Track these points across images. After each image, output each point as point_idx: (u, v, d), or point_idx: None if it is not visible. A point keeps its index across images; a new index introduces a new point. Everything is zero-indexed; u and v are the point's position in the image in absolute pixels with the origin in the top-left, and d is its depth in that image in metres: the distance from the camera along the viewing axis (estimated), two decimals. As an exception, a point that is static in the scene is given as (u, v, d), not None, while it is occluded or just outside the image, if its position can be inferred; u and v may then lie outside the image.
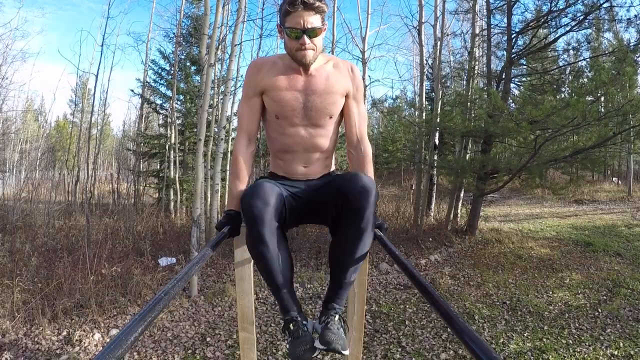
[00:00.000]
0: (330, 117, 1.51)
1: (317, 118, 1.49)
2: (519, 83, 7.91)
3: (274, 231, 1.33)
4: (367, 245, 1.36)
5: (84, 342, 3.32)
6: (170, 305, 4.01)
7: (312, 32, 1.35)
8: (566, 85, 7.03)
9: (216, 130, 6.79)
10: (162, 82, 11.45)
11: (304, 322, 1.35)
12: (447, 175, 7.97)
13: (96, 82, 10.04)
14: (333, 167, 1.68)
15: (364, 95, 9.21)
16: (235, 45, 6.59)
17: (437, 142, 7.85)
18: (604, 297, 4.43)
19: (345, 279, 1.40)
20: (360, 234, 1.33)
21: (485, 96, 6.66)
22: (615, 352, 3.24)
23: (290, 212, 1.46)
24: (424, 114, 8.33)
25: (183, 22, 10.80)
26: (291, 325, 1.33)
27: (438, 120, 7.32)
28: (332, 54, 9.40)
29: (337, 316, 1.36)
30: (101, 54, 13.51)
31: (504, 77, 6.99)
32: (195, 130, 9.28)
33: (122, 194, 11.18)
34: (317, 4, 1.32)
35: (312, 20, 1.33)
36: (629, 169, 13.62)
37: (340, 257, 1.41)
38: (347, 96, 1.54)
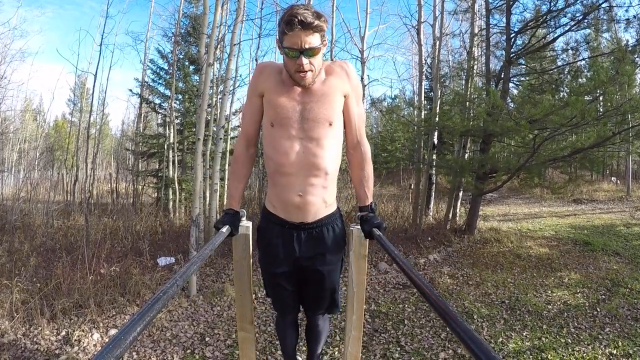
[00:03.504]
0: (330, 125, 1.45)
1: (314, 128, 1.43)
2: (517, 83, 7.92)
3: (294, 324, 1.96)
4: (324, 337, 1.99)
5: (83, 342, 3.31)
6: (169, 304, 4.01)
7: (310, 52, 1.32)
8: (565, 85, 7.03)
9: (215, 129, 6.78)
10: (160, 81, 11.44)
11: None
12: (446, 174, 7.97)
13: (95, 81, 9.99)
14: (334, 207, 1.60)
15: (363, 95, 9.22)
16: (234, 44, 6.59)
17: (435, 142, 7.85)
18: (603, 297, 4.44)
19: (316, 351, 1.98)
20: (318, 336, 1.94)
21: (484, 95, 6.66)
22: (614, 351, 3.25)
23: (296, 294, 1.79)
24: (422, 113, 8.33)
25: (182, 21, 10.79)
26: None
27: (437, 119, 7.33)
28: (331, 53, 9.40)
29: None
30: (100, 53, 13.50)
31: (502, 76, 7.00)
32: (194, 129, 9.27)
33: (120, 194, 11.16)
34: (316, 22, 1.28)
35: (310, 40, 1.30)
36: (628, 168, 13.66)
37: (309, 341, 2.00)
38: (346, 96, 1.50)
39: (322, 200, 1.51)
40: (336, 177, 1.56)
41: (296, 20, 1.25)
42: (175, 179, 9.51)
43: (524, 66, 7.76)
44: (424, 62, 8.59)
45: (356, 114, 1.56)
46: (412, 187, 10.18)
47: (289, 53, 1.33)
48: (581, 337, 3.50)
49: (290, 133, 1.43)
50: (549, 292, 4.59)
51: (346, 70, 1.50)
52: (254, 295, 1.69)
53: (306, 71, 1.35)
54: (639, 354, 3.20)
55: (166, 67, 11.22)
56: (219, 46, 7.97)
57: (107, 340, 3.38)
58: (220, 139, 5.90)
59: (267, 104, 1.49)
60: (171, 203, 9.85)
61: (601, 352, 3.25)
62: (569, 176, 7.72)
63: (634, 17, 6.04)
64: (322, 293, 1.68)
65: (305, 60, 1.32)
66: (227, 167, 9.36)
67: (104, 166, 28.72)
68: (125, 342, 0.61)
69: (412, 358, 3.18)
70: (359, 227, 1.60)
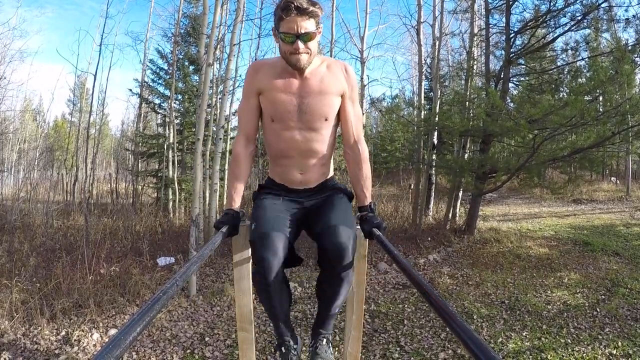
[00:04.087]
0: (326, 120, 1.51)
1: (312, 121, 1.49)
2: (517, 83, 7.92)
3: (280, 279, 1.43)
4: (346, 290, 1.48)
5: (83, 342, 3.31)
6: (169, 304, 4.01)
7: (306, 37, 1.36)
8: (564, 85, 7.04)
9: (215, 129, 6.78)
10: (160, 81, 11.45)
11: (295, 346, 1.56)
12: (446, 174, 7.97)
13: (94, 81, 10.00)
14: (331, 173, 1.68)
15: (362, 95, 9.23)
16: (234, 44, 6.59)
17: (435, 142, 7.85)
18: (603, 297, 4.44)
19: (330, 311, 1.54)
20: (339, 283, 1.44)
21: (484, 95, 6.67)
22: (614, 352, 3.25)
23: (291, 225, 1.51)
24: (422, 113, 8.33)
25: (181, 21, 10.80)
26: (283, 348, 1.55)
27: (436, 119, 7.33)
28: (331, 53, 9.40)
29: (324, 340, 1.55)
30: (99, 53, 13.50)
31: (502, 76, 7.00)
32: (194, 129, 9.27)
33: (120, 194, 11.16)
34: (311, 8, 1.33)
35: (306, 25, 1.34)
36: (627, 168, 13.66)
37: (323, 295, 1.54)
38: (342, 96, 1.54)
39: (321, 172, 1.61)
40: (332, 154, 1.64)
41: (292, 5, 1.30)
42: (175, 179, 9.51)
43: (524, 66, 7.76)
44: (423, 62, 8.59)
45: (353, 115, 1.59)
46: (412, 187, 10.19)
47: (286, 38, 1.37)
48: (581, 338, 3.51)
49: (289, 125, 1.50)
50: (549, 292, 4.59)
51: (345, 72, 1.54)
52: (253, 296, 1.69)
53: (301, 53, 1.39)
54: (639, 354, 3.20)
55: (166, 67, 11.23)
56: (218, 46, 7.97)
57: (106, 340, 3.38)
58: (220, 139, 5.90)
59: (265, 101, 1.52)
60: (171, 203, 9.85)
61: (601, 352, 3.25)
62: (568, 176, 7.73)
63: (634, 16, 6.05)
64: (338, 209, 1.51)
65: (301, 45, 1.37)
66: (226, 167, 9.36)
67: (104, 166, 28.69)
68: (125, 342, 0.60)
69: (412, 358, 3.18)
70: (359, 227, 1.60)
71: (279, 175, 1.61)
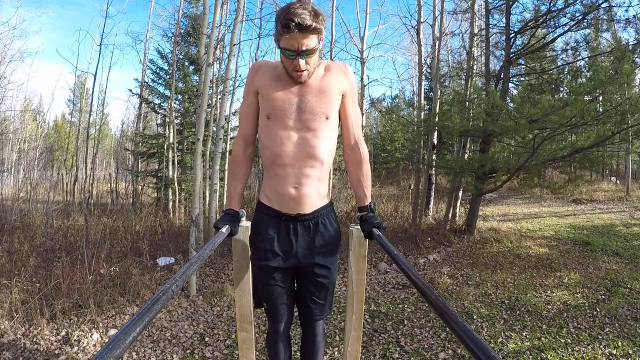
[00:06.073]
0: (327, 118, 1.46)
1: (311, 120, 1.44)
2: (517, 83, 7.92)
3: (287, 337, 1.76)
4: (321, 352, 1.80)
5: (83, 342, 3.31)
6: (169, 305, 4.01)
7: (307, 53, 1.32)
8: (564, 85, 7.04)
9: (215, 129, 6.78)
10: (160, 81, 11.44)
11: None
12: (446, 174, 7.97)
13: (94, 81, 10.00)
14: (327, 199, 1.60)
15: (362, 95, 9.23)
16: (234, 44, 6.59)
17: (435, 142, 7.85)
18: (603, 297, 4.44)
19: None
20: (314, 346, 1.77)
21: (484, 95, 6.67)
22: (614, 351, 3.25)
23: (290, 296, 1.71)
24: (422, 114, 8.33)
25: (181, 21, 10.80)
26: None
27: (436, 119, 7.33)
28: (331, 53, 9.41)
29: None
30: (99, 53, 13.45)
31: (502, 76, 7.00)
32: (194, 129, 9.27)
33: (120, 194, 11.16)
34: (313, 25, 1.26)
35: (308, 42, 1.29)
36: (627, 168, 13.68)
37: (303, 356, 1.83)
38: (343, 95, 1.51)
39: (317, 192, 1.52)
40: (331, 169, 1.58)
41: (293, 24, 1.24)
42: (175, 179, 9.50)
43: (524, 66, 7.77)
44: (423, 62, 8.59)
45: (353, 115, 1.57)
46: (412, 187, 10.20)
47: (286, 53, 1.33)
48: (581, 337, 3.50)
49: (286, 124, 1.44)
50: (549, 292, 4.59)
51: (344, 71, 1.51)
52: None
53: (303, 71, 1.36)
54: (639, 354, 3.21)
55: (166, 67, 11.23)
56: (218, 46, 7.97)
57: (106, 340, 3.38)
58: (220, 139, 5.90)
59: (262, 99, 1.49)
60: (171, 203, 9.85)
61: (601, 352, 3.25)
62: (568, 176, 7.72)
63: (634, 16, 6.05)
64: (320, 290, 1.64)
65: (302, 62, 1.33)
66: (226, 167, 9.36)
67: (104, 166, 28.68)
68: (125, 343, 0.60)
69: (412, 358, 3.18)
70: (359, 227, 1.60)
71: (271, 188, 1.53)
